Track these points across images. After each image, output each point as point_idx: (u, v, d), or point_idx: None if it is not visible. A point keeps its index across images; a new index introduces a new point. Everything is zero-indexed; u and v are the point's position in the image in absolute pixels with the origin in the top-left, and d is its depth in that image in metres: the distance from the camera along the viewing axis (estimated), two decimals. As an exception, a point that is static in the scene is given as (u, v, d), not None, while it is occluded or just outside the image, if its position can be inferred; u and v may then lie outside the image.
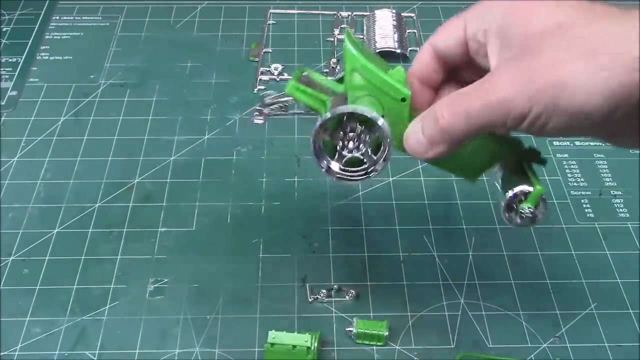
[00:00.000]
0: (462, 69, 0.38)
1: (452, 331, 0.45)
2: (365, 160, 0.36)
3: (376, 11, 0.71)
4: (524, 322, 0.46)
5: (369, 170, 0.36)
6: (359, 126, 0.35)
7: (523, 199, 0.36)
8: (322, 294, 0.47)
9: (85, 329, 0.45)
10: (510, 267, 0.49)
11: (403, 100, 0.35)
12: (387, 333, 0.44)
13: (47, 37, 0.70)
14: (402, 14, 0.72)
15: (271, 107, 0.40)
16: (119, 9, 0.73)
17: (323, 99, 0.37)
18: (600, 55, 0.29)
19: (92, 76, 0.65)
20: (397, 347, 0.44)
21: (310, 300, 0.47)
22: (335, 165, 0.37)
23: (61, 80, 0.64)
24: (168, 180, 0.55)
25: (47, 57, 0.67)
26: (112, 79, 0.65)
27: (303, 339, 0.42)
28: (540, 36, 0.31)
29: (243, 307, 0.47)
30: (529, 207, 0.36)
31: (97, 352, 0.44)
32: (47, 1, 0.74)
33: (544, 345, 0.45)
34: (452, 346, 0.45)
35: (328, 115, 0.35)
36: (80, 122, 0.60)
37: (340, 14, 0.72)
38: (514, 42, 0.32)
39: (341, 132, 0.36)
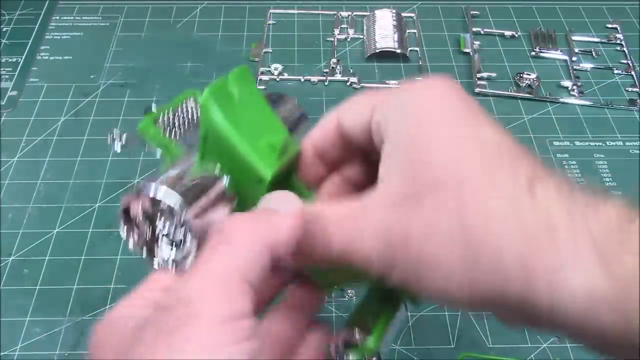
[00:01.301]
0: (368, 152, 0.29)
1: (452, 331, 0.45)
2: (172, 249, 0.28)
3: (376, 11, 0.71)
4: (524, 322, 0.46)
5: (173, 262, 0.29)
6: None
7: (351, 344, 0.29)
8: (322, 295, 0.47)
9: (85, 329, 0.45)
10: (510, 267, 0.49)
11: (260, 182, 0.29)
12: (387, 333, 0.44)
13: (47, 37, 0.70)
14: (402, 14, 0.72)
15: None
16: (119, 9, 0.73)
17: (173, 151, 0.31)
18: (479, 249, 0.22)
19: (92, 76, 0.65)
20: (397, 347, 0.44)
21: (310, 300, 0.47)
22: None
23: (61, 80, 0.64)
24: (168, 180, 0.55)
25: (47, 57, 0.67)
26: (112, 79, 0.65)
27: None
28: (429, 186, 0.24)
29: (243, 307, 0.46)
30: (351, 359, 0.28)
31: (97, 352, 0.44)
32: (47, 1, 0.74)
33: (544, 345, 0.45)
34: (452, 346, 0.45)
35: (123, 201, 0.27)
36: (80, 122, 0.60)
37: (340, 14, 0.72)
38: (402, 170, 0.25)
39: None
